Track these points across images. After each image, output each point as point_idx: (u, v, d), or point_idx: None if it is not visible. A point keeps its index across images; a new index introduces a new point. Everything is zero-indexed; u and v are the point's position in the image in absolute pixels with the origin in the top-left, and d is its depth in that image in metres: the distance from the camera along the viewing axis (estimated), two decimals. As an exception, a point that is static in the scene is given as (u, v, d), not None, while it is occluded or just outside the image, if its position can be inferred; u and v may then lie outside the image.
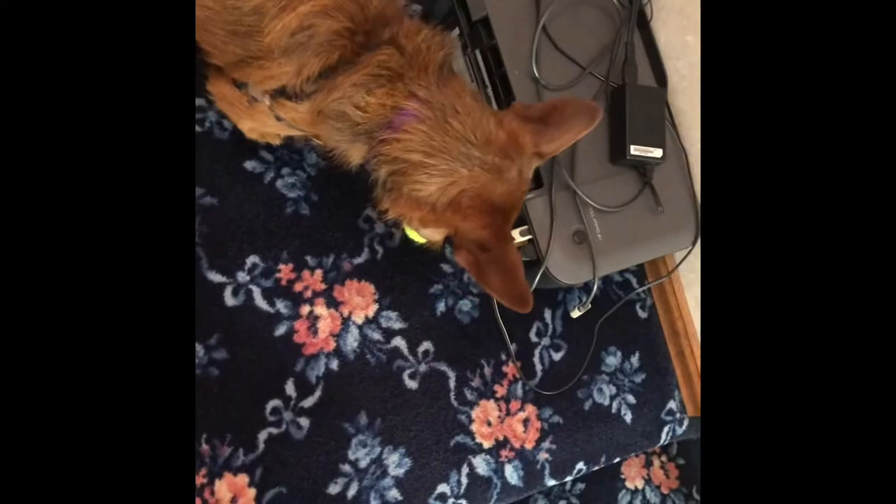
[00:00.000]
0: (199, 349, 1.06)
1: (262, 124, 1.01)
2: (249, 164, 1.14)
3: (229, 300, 1.10)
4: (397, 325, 1.19)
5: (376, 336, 1.17)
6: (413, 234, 1.05)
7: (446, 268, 1.24)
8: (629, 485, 1.44)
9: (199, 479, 1.04)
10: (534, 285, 1.14)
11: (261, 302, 1.11)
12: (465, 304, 1.24)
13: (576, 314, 1.28)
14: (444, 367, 1.21)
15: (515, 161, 0.84)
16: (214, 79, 0.96)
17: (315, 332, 1.14)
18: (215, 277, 1.09)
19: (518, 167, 0.85)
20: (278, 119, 0.90)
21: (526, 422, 1.25)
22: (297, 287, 1.14)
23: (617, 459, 1.35)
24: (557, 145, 0.88)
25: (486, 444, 1.21)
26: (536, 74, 1.13)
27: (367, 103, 0.80)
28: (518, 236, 1.14)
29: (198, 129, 1.11)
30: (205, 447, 1.05)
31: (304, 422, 1.10)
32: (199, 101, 1.11)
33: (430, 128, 0.80)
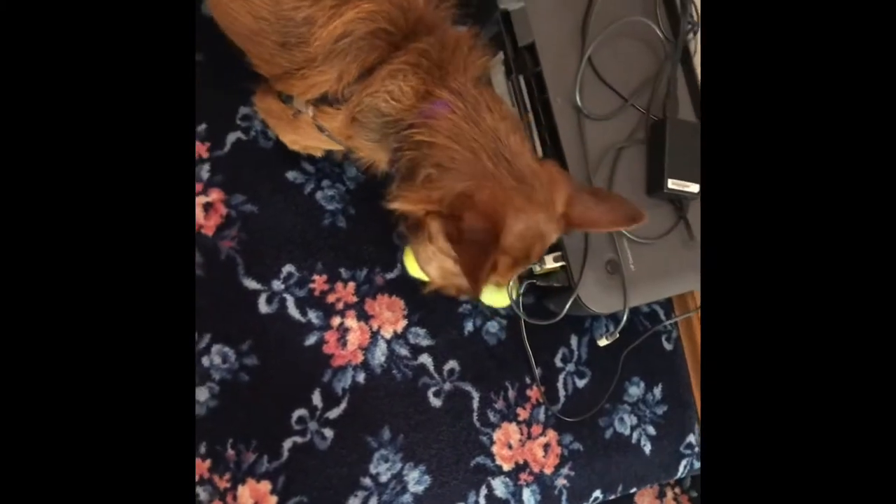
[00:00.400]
0: (231, 354, 1.08)
1: (304, 137, 1.02)
2: (291, 175, 1.15)
3: (263, 307, 1.11)
4: (425, 342, 1.20)
5: (404, 352, 1.18)
6: (411, 265, 1.05)
7: (476, 288, 1.25)
8: (643, 516, 1.44)
9: (223, 483, 1.05)
10: (564, 312, 1.15)
11: (293, 311, 1.13)
12: (493, 326, 1.25)
13: (603, 343, 1.29)
14: (468, 387, 1.21)
15: (547, 198, 0.80)
16: (261, 93, 0.98)
17: (344, 344, 1.15)
18: (251, 284, 1.11)
19: (550, 207, 0.81)
20: (321, 130, 0.90)
21: (546, 447, 1.25)
22: (330, 298, 1.15)
23: (633, 490, 1.34)
24: (587, 218, 0.84)
25: (506, 467, 1.21)
26: (579, 103, 1.15)
27: (401, 91, 0.79)
28: (550, 262, 1.14)
29: (243, 137, 1.13)
30: (230, 452, 1.06)
31: (329, 433, 1.11)
32: (245, 110, 1.13)
33: (461, 117, 0.78)
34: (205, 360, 1.06)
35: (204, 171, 1.10)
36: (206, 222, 1.09)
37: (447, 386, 1.20)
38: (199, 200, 1.09)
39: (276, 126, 1.06)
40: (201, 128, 1.10)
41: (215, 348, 1.07)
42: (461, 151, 0.78)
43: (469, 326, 1.23)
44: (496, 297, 1.18)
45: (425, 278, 0.97)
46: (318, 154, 1.15)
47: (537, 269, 1.16)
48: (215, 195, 1.10)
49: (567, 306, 1.13)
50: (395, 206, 0.83)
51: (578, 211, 0.83)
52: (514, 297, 1.16)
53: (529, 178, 0.79)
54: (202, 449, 1.04)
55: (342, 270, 1.17)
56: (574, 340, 1.31)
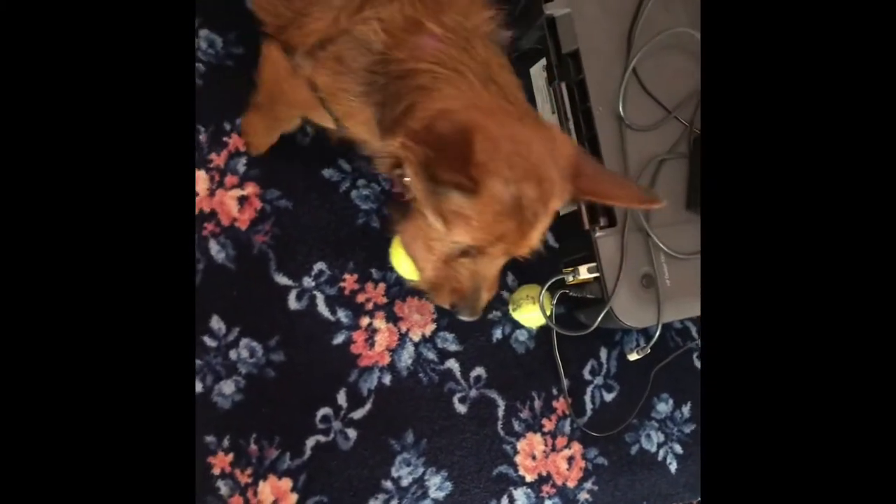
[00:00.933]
0: (258, 349, 1.07)
1: (296, 97, 0.94)
2: (327, 172, 1.15)
3: (293, 304, 1.10)
4: (452, 347, 1.19)
5: (431, 356, 1.17)
6: (397, 257, 1.02)
7: (506, 295, 1.23)
8: (665, 536, 1.41)
9: (244, 478, 1.04)
10: (596, 324, 1.13)
11: (323, 309, 1.12)
12: (522, 335, 1.23)
13: (633, 357, 1.26)
14: (494, 395, 1.20)
15: (548, 137, 0.74)
16: (268, 43, 0.93)
17: (372, 345, 1.14)
18: (282, 280, 1.10)
19: (550, 143, 0.74)
20: (314, 90, 0.86)
21: (570, 460, 1.23)
22: (360, 298, 1.14)
23: (657, 509, 1.32)
24: (599, 187, 0.79)
25: (529, 478, 1.20)
26: (622, 113, 1.13)
27: (392, 19, 0.75)
28: (584, 272, 1.13)
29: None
30: (253, 447, 1.05)
31: (352, 433, 1.10)
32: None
33: (450, 45, 0.74)
34: (232, 354, 1.06)
35: (240, 165, 1.10)
36: (240, 216, 1.09)
37: (473, 392, 1.19)
38: (234, 193, 1.09)
39: (274, 84, 0.98)
40: (238, 122, 1.10)
41: (243, 342, 1.07)
42: (446, 72, 0.73)
43: (498, 334, 1.22)
44: (531, 317, 1.17)
45: (413, 276, 0.91)
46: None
47: (570, 279, 1.15)
48: (251, 189, 1.10)
49: (599, 319, 1.11)
50: (377, 150, 0.79)
51: (589, 175, 0.77)
52: (547, 312, 1.14)
53: (526, 109, 0.75)
54: (225, 442, 1.04)
55: (373, 271, 1.16)
56: (604, 353, 1.28)
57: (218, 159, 1.09)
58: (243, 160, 1.10)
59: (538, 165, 0.73)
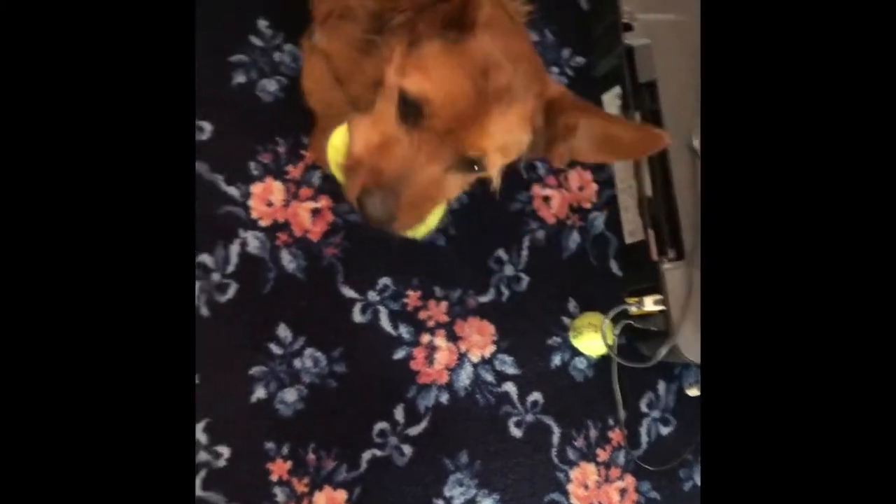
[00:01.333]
0: (322, 359, 1.09)
1: (314, 74, 0.95)
2: (398, 189, 1.16)
3: (357, 316, 1.12)
4: (511, 371, 1.19)
5: (489, 377, 1.17)
6: (333, 152, 0.79)
7: (566, 321, 1.23)
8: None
9: (301, 487, 1.05)
10: (659, 357, 1.12)
11: (385, 323, 1.13)
12: (581, 362, 1.23)
13: (692, 393, 1.25)
14: (550, 421, 1.19)
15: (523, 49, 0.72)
16: (307, 53, 0.94)
17: (431, 363, 1.15)
18: (348, 292, 1.12)
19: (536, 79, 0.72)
20: (332, 70, 0.86)
21: (623, 492, 1.22)
22: (422, 315, 1.15)
23: (707, 549, 1.29)
24: (583, 119, 0.74)
25: (580, 508, 1.19)
26: (696, 146, 1.12)
27: None
28: (650, 304, 1.12)
29: (356, 147, 1.15)
30: (311, 456, 1.06)
31: (408, 449, 1.11)
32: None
33: None
34: (297, 362, 1.08)
35: (315, 178, 1.12)
36: (312, 227, 1.11)
37: (529, 417, 1.18)
38: (308, 206, 1.11)
39: (320, 94, 0.98)
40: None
41: (308, 351, 1.08)
42: None
43: (557, 360, 1.21)
44: (591, 345, 1.16)
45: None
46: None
47: (634, 309, 1.14)
48: (324, 202, 1.12)
49: (663, 353, 1.10)
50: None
51: (574, 111, 0.74)
52: (609, 341, 1.14)
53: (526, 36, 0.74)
54: (285, 450, 1.05)
55: (436, 289, 1.17)
56: (662, 386, 1.27)
57: (294, 171, 1.11)
58: (318, 173, 1.12)
59: (523, 66, 0.71)
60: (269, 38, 1.13)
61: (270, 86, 1.12)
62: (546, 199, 1.24)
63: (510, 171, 1.19)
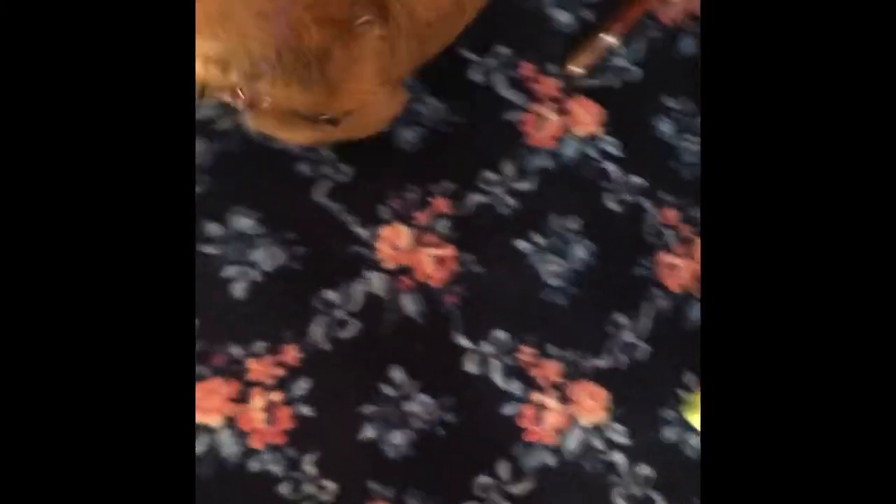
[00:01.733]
0: (433, 406, 1.10)
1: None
2: (521, 244, 1.17)
3: (469, 366, 1.12)
4: (621, 440, 1.15)
5: (598, 445, 1.14)
6: None
7: (682, 394, 1.18)
8: None
9: (400, 532, 1.05)
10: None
11: (497, 377, 1.13)
12: (695, 440, 1.17)
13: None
14: (658, 497, 1.14)
15: None
16: None
17: (539, 422, 1.13)
18: (462, 341, 1.13)
19: None
20: None
21: (732, 585, 1.14)
22: (534, 372, 1.14)
23: None
24: None
25: None
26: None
27: None
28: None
29: (483, 200, 1.17)
30: (413, 501, 1.06)
31: (509, 508, 1.09)
32: (487, 174, 1.17)
33: None
34: (406, 406, 1.09)
35: (441, 226, 1.15)
36: (435, 274, 1.13)
37: (636, 490, 1.14)
38: (432, 252, 1.14)
39: None
40: (448, 186, 1.15)
41: (420, 397, 1.09)
42: None
43: (671, 435, 1.16)
44: None
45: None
46: None
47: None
48: (449, 251, 1.14)
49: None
50: None
51: None
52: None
53: None
54: (388, 493, 1.06)
55: (551, 347, 1.15)
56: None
57: (421, 217, 1.14)
58: (445, 221, 1.15)
59: None
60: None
61: (408, 134, 1.16)
62: (672, 266, 1.21)
63: (632, 235, 1.19)
